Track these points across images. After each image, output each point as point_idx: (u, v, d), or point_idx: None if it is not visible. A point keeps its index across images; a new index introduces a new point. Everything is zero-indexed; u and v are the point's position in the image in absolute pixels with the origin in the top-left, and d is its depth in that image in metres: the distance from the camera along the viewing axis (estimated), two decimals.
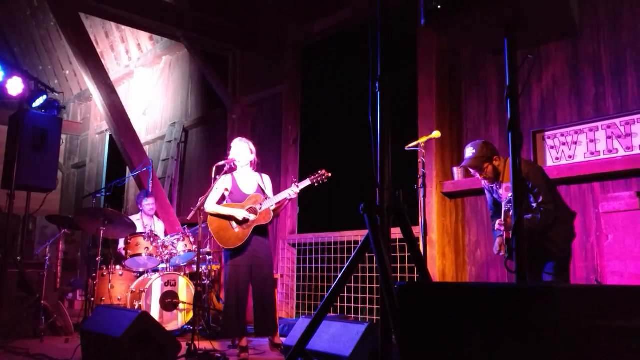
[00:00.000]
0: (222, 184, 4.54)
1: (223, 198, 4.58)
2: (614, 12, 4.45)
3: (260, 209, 4.38)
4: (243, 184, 4.55)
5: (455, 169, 5.20)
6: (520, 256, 1.95)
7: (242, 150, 4.55)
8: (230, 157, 4.56)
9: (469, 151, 3.66)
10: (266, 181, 4.63)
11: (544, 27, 2.08)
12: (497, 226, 3.65)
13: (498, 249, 3.63)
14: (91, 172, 11.24)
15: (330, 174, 4.39)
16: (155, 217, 6.59)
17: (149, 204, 6.44)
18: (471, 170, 3.78)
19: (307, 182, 4.38)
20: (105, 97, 7.20)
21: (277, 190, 4.65)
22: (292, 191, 4.35)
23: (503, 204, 3.56)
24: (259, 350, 4.65)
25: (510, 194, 3.28)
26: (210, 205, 4.43)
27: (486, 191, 3.87)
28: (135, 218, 6.36)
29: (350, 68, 6.65)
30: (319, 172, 4.39)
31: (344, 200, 5.90)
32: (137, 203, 6.59)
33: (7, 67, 6.04)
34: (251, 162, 4.60)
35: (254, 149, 4.65)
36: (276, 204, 4.41)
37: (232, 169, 4.60)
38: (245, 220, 4.35)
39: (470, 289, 1.53)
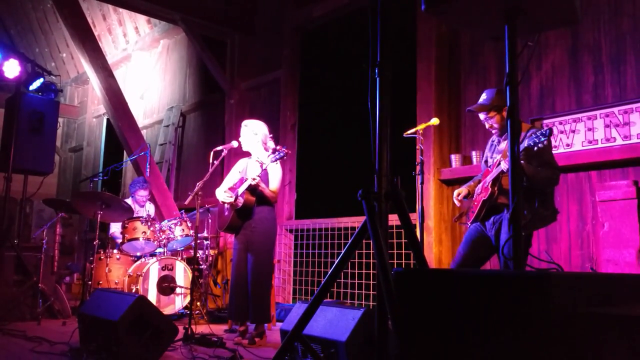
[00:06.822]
0: (235, 170, 4.50)
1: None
2: (615, 0, 4.43)
3: (238, 192, 4.23)
4: (251, 169, 4.37)
5: (453, 156, 5.20)
6: (516, 244, 1.96)
7: (242, 134, 4.47)
8: (231, 142, 4.49)
9: (482, 97, 3.52)
10: (270, 168, 4.28)
11: (545, 15, 2.07)
12: (455, 195, 3.61)
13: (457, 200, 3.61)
14: (88, 156, 11.22)
15: (289, 151, 4.20)
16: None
17: (143, 195, 6.35)
18: (480, 116, 3.55)
19: (268, 161, 4.17)
20: (103, 80, 7.16)
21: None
22: (256, 174, 4.15)
23: (491, 162, 3.47)
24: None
25: (502, 160, 3.24)
26: (217, 191, 4.43)
27: (487, 145, 3.70)
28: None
29: (349, 54, 6.62)
30: (277, 149, 4.17)
31: (341, 186, 5.91)
32: (131, 190, 6.40)
33: (4, 49, 6.00)
34: (262, 142, 4.41)
35: (259, 129, 4.42)
36: (246, 188, 4.18)
37: (248, 154, 4.50)
38: (232, 204, 4.27)
39: (466, 276, 1.54)
